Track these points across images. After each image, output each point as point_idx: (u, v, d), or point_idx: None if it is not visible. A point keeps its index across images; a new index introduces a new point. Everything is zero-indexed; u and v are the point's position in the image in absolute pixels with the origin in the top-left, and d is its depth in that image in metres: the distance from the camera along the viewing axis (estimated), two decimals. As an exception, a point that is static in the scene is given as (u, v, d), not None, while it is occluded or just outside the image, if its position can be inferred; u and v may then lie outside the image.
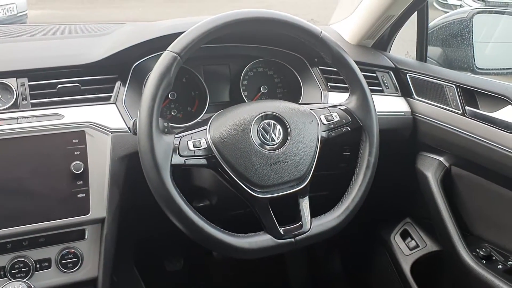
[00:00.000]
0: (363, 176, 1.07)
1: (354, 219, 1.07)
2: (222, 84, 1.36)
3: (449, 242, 1.29)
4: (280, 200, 1.00)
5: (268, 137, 1.00)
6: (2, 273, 1.03)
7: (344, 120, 1.08)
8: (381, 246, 1.55)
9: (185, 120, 1.26)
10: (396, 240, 1.50)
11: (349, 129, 1.09)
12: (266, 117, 1.01)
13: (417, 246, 1.47)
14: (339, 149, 1.38)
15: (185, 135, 0.97)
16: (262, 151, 0.98)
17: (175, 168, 0.93)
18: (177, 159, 0.94)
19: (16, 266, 1.03)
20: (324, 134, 1.06)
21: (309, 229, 1.00)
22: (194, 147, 0.96)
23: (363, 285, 1.71)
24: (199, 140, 0.97)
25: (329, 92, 1.34)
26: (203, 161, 0.97)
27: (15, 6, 5.33)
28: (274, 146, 1.00)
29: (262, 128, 1.00)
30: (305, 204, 1.01)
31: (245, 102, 1.27)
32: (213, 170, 0.99)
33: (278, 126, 1.01)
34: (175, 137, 0.96)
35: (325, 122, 1.07)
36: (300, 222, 1.00)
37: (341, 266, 1.81)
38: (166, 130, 1.03)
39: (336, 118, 1.08)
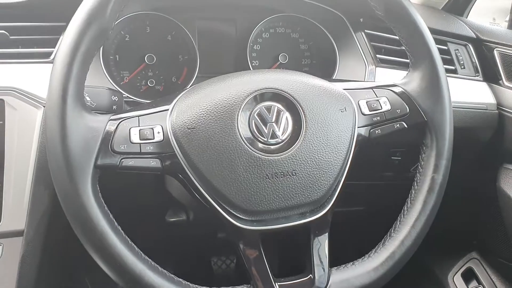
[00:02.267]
0: (423, 204, 0.66)
1: None
2: (225, 49, 0.99)
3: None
4: (279, 236, 0.61)
5: (266, 131, 0.61)
6: None
7: (399, 111, 0.67)
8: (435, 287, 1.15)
9: (166, 94, 0.88)
10: (456, 282, 1.14)
11: (405, 125, 0.68)
12: (266, 97, 0.62)
13: (485, 292, 1.10)
14: (385, 151, 0.97)
15: (128, 118, 0.59)
16: (254, 154, 0.59)
17: (104, 172, 0.56)
18: (107, 157, 0.57)
19: None
20: (362, 131, 0.66)
21: (326, 287, 0.60)
22: (141, 139, 0.59)
23: None
24: (152, 128, 0.59)
25: (377, 68, 0.94)
26: (154, 163, 0.59)
27: None
28: (276, 147, 0.61)
29: (257, 114, 0.61)
30: (322, 246, 0.62)
31: None
32: (173, 177, 0.61)
33: (286, 114, 0.62)
34: (110, 120, 0.58)
35: (366, 111, 0.67)
36: (310, 276, 0.61)
37: None
38: (114, 107, 0.66)
39: (386, 107, 0.67)
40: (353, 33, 0.96)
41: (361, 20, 0.96)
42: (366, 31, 0.96)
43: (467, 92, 0.99)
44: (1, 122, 0.74)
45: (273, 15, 0.95)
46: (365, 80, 0.92)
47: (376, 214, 1.00)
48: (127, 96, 0.83)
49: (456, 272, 1.13)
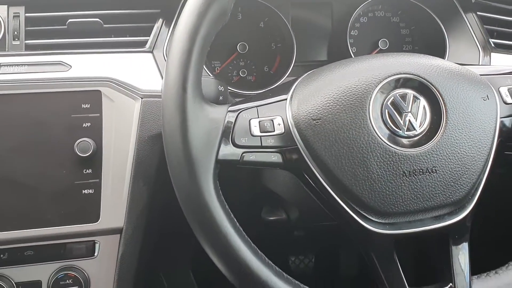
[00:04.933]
0: None
1: None
2: (319, 35, 0.94)
3: None
4: (413, 241, 0.54)
5: (402, 122, 0.54)
6: None
7: None
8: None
9: (258, 85, 0.86)
10: None
11: None
12: (400, 83, 0.56)
13: None
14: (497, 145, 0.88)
15: (246, 108, 0.55)
16: (391, 148, 0.53)
17: (224, 167, 0.52)
18: (228, 151, 0.53)
19: None
20: (507, 122, 0.59)
21: None
22: (261, 132, 0.53)
23: None
24: (272, 120, 0.54)
25: (492, 53, 0.87)
26: (276, 158, 0.54)
27: None
28: (414, 140, 0.54)
29: (390, 103, 0.55)
30: (462, 253, 0.55)
31: None
32: (295, 174, 0.56)
33: (423, 102, 0.55)
34: (229, 111, 0.53)
35: (509, 100, 0.60)
36: (451, 285, 0.54)
37: None
38: (221, 98, 0.61)
39: None
40: (463, 15, 0.89)
41: (473, 1, 0.87)
42: (478, 13, 0.88)
43: None
44: (98, 115, 0.71)
45: None
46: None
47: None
48: (223, 87, 0.79)
49: None
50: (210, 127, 0.52)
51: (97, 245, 0.74)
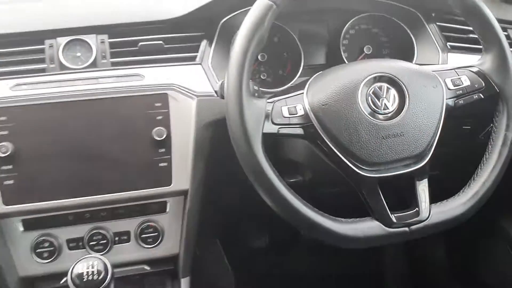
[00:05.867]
0: (498, 155, 0.86)
1: None
2: (318, 44, 1.20)
3: None
4: (391, 182, 0.83)
5: (380, 104, 0.82)
6: (81, 244, 0.98)
7: (476, 85, 0.87)
8: (501, 241, 1.32)
9: (275, 84, 1.12)
10: None
11: (482, 96, 0.88)
12: (377, 79, 0.84)
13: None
14: (457, 122, 1.16)
15: (278, 100, 0.82)
16: (372, 121, 0.81)
17: (266, 138, 0.80)
18: (269, 127, 0.79)
19: (94, 238, 0.98)
20: (450, 102, 0.86)
21: (428, 217, 0.82)
22: (289, 114, 0.81)
23: (472, 279, 1.48)
24: (295, 106, 0.82)
25: (449, 53, 1.13)
26: (299, 131, 0.82)
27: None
28: (388, 115, 0.82)
29: (372, 92, 0.82)
30: (423, 187, 0.83)
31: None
32: (311, 142, 0.84)
33: (393, 91, 0.83)
34: (268, 102, 0.81)
35: (451, 87, 0.87)
36: (417, 209, 0.82)
37: (447, 261, 1.59)
38: (256, 94, 0.89)
39: (466, 83, 0.87)
40: (426, 25, 1.14)
41: (433, 14, 1.15)
42: (437, 23, 1.15)
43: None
44: (167, 110, 0.95)
45: (358, 16, 1.14)
46: (439, 63, 1.11)
47: (447, 178, 1.17)
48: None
49: None
50: (257, 112, 0.79)
51: (168, 204, 1.01)
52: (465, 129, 1.17)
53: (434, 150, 0.84)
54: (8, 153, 0.88)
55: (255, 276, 1.58)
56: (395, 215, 0.81)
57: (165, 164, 0.96)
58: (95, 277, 0.75)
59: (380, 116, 0.82)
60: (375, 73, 0.83)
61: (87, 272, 0.75)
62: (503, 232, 1.31)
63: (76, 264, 0.76)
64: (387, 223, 0.80)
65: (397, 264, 1.70)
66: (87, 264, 0.76)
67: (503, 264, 1.31)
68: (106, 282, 0.76)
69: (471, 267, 1.50)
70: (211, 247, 1.50)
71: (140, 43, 1.01)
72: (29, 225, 0.96)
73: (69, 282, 0.76)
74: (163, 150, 0.95)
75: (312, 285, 1.64)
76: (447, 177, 1.16)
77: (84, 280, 0.75)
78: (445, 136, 1.17)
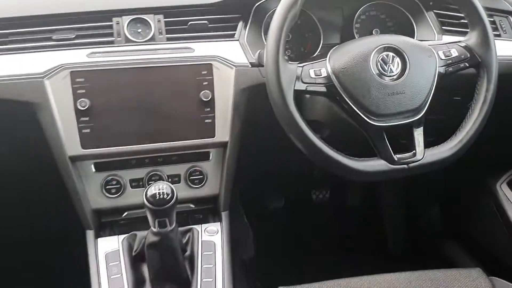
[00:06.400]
0: (479, 110, 1.07)
1: (457, 164, 1.09)
2: (334, 27, 1.39)
3: None
4: (394, 130, 1.04)
5: (386, 68, 1.03)
6: (141, 183, 1.20)
7: (463, 56, 1.09)
8: (485, 195, 1.52)
9: (297, 60, 1.31)
10: (503, 188, 1.45)
11: (467, 65, 1.09)
12: (385, 49, 1.05)
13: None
14: (449, 93, 1.38)
15: (307, 64, 1.04)
16: (381, 81, 1.02)
17: (297, 94, 1.01)
18: (299, 85, 1.01)
19: (152, 178, 1.19)
20: (441, 69, 1.07)
21: (422, 158, 1.03)
22: (315, 75, 1.03)
23: (465, 236, 1.70)
24: (320, 69, 1.03)
25: (443, 35, 1.34)
26: (323, 89, 1.03)
27: None
28: (393, 77, 1.04)
29: (381, 59, 1.04)
30: (419, 134, 1.05)
31: None
32: (331, 99, 1.05)
33: (397, 59, 1.05)
34: (298, 66, 1.03)
35: (443, 57, 1.08)
36: (414, 151, 1.04)
37: (440, 216, 1.80)
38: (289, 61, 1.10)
39: (455, 54, 1.09)
40: (425, 13, 1.35)
41: (431, 3, 1.36)
42: (434, 11, 1.36)
43: (509, 48, 1.37)
44: (211, 77, 1.16)
45: (369, 3, 1.36)
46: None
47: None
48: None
49: (504, 181, 1.45)
50: (290, 74, 1.00)
51: (211, 153, 1.23)
52: (456, 100, 1.39)
53: (428, 105, 1.06)
54: (86, 107, 1.10)
55: (272, 232, 1.80)
56: (397, 156, 1.03)
57: (209, 120, 1.16)
58: (165, 196, 0.96)
59: (387, 78, 1.03)
60: (384, 44, 1.05)
61: (159, 192, 0.96)
62: (488, 189, 1.51)
63: (149, 187, 0.97)
64: (391, 161, 1.02)
65: (396, 224, 1.92)
66: (158, 187, 0.97)
67: (488, 219, 1.52)
68: (172, 201, 0.97)
69: (461, 223, 1.71)
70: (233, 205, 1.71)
71: (190, 23, 1.21)
72: (99, 167, 1.19)
73: (144, 200, 0.97)
74: (208, 109, 1.16)
75: (320, 240, 1.86)
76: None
77: (157, 198, 0.96)
78: (439, 105, 1.39)
